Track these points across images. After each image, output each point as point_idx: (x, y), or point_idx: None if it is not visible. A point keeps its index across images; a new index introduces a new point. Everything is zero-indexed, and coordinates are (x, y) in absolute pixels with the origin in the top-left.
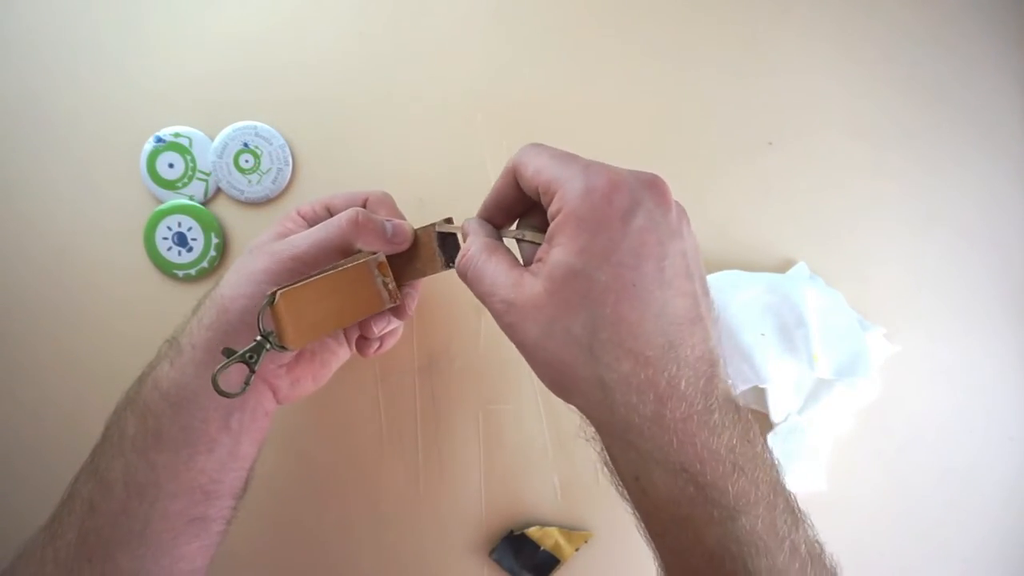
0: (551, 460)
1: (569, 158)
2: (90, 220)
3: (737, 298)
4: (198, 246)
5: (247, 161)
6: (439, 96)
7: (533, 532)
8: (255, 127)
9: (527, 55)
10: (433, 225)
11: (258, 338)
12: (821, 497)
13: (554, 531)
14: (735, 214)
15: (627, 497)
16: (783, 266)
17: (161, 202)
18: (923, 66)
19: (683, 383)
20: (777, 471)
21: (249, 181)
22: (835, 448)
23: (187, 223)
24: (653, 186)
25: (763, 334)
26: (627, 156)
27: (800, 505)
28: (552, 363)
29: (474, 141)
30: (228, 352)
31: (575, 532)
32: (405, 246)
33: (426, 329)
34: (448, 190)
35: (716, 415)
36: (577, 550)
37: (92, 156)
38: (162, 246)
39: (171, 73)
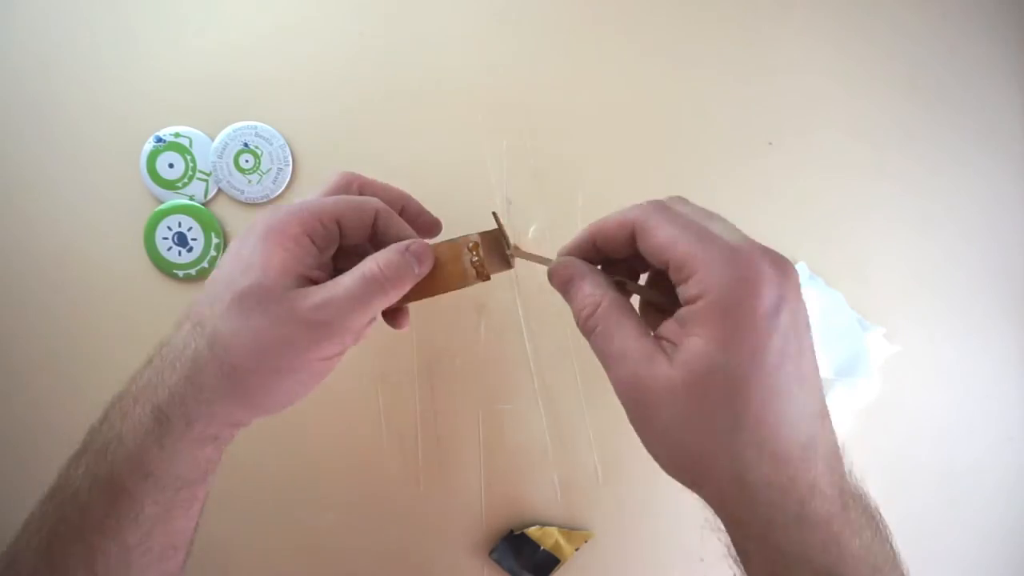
0: (551, 460)
1: (707, 235)
2: (90, 220)
3: None
4: (198, 246)
5: (247, 161)
6: (439, 96)
7: (533, 532)
8: (255, 127)
9: (528, 55)
10: (457, 241)
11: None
12: None
13: (554, 531)
14: (735, 214)
15: None
16: None
17: (161, 202)
18: (923, 66)
19: (823, 482)
20: (904, 568)
21: (249, 181)
22: None
23: (187, 223)
24: (792, 277)
25: None
26: (627, 156)
27: None
28: (684, 452)
29: (474, 141)
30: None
31: (575, 532)
32: (429, 268)
33: (426, 328)
34: (448, 190)
35: (852, 513)
36: (577, 550)
37: (92, 156)
38: (162, 246)
39: (171, 73)
